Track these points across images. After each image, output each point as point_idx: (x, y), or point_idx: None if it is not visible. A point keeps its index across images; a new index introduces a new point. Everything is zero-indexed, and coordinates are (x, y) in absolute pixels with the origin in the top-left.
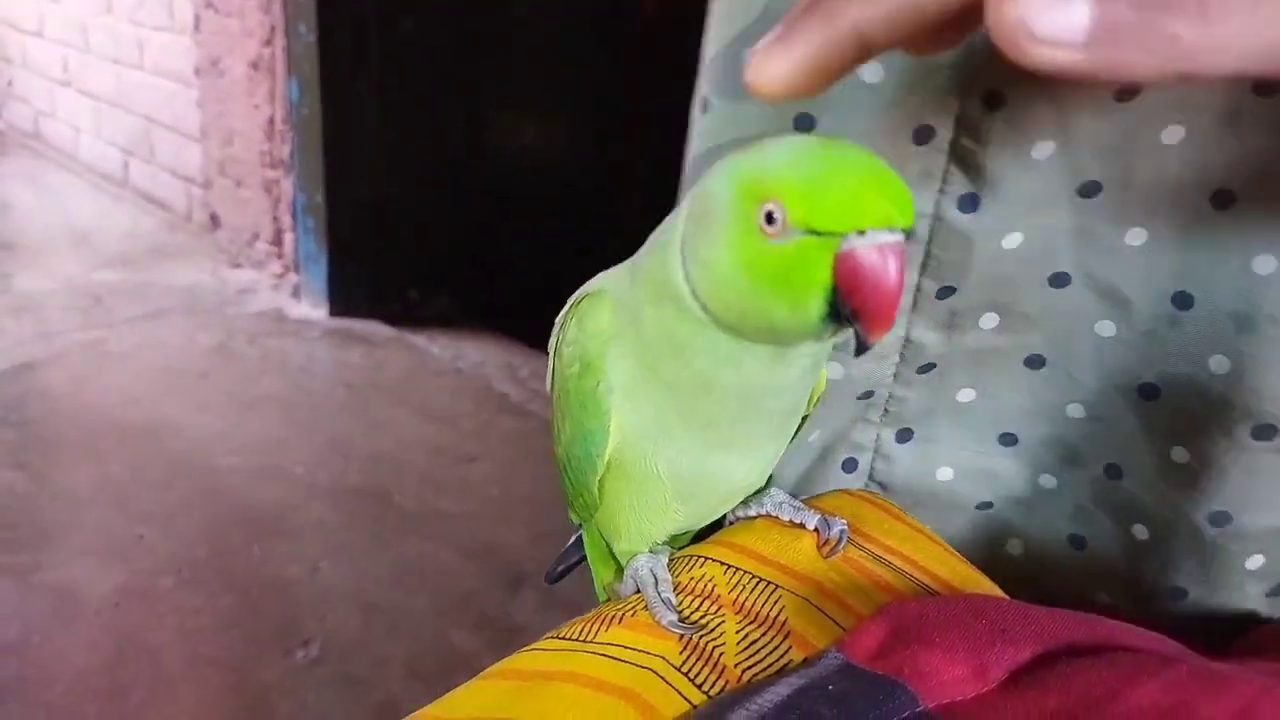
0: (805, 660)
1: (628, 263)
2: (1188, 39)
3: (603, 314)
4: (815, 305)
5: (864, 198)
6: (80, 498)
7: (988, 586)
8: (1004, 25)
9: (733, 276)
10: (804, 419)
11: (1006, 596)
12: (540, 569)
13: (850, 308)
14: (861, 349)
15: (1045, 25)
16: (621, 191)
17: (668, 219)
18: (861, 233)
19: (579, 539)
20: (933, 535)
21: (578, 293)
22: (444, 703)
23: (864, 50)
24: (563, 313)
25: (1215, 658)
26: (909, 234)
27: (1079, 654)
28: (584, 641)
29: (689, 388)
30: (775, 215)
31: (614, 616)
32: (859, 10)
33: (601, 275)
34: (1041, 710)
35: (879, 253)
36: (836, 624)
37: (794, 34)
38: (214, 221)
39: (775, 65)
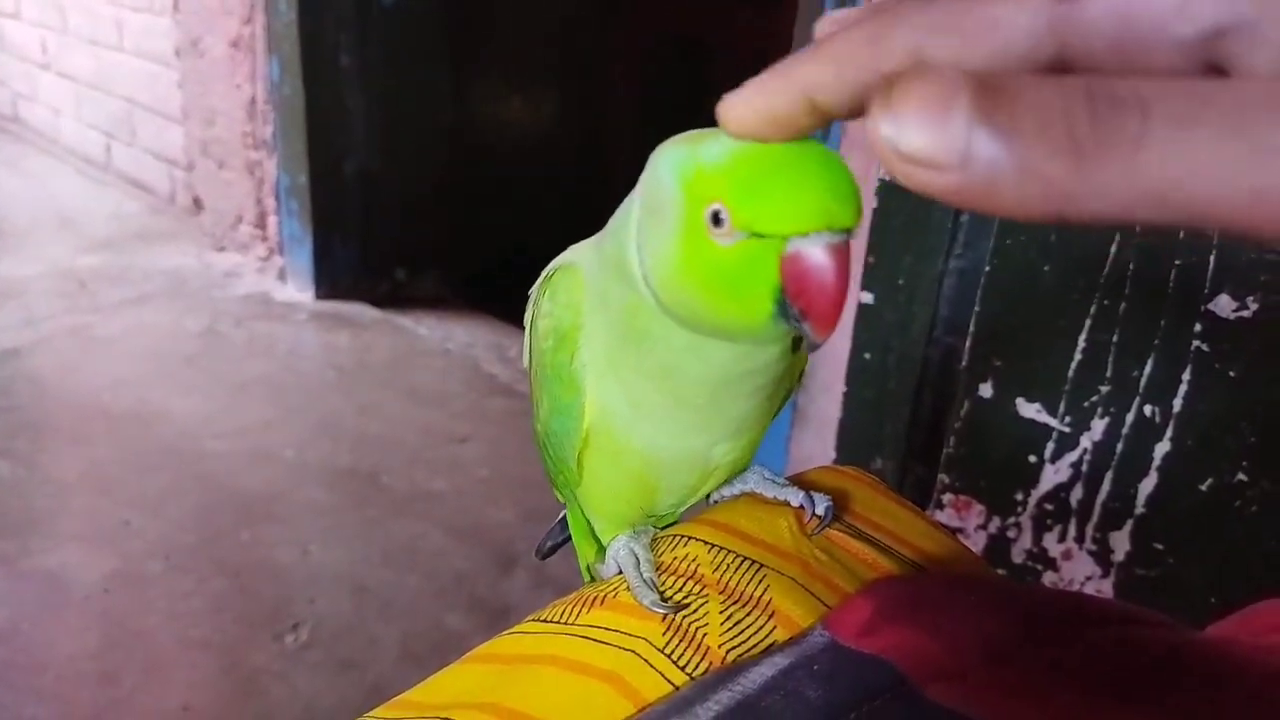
0: (791, 639)
1: (596, 237)
2: (1065, 182)
3: (575, 287)
4: (764, 305)
5: (808, 199)
6: (68, 484)
7: (976, 562)
8: (876, 140)
9: (683, 276)
10: (788, 393)
11: (995, 572)
12: (531, 549)
13: (797, 308)
14: (810, 347)
15: (914, 146)
16: (610, 166)
17: (629, 197)
18: (806, 235)
19: (563, 519)
20: (919, 510)
21: (550, 265)
22: (425, 688)
23: (820, 116)
24: (536, 285)
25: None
26: (853, 232)
27: (1064, 631)
28: (565, 624)
29: (654, 372)
30: (722, 217)
31: (595, 598)
32: (807, 73)
33: (573, 248)
34: (1027, 687)
35: (824, 254)
36: (822, 602)
37: (758, 85)
38: (197, 204)
39: (737, 109)
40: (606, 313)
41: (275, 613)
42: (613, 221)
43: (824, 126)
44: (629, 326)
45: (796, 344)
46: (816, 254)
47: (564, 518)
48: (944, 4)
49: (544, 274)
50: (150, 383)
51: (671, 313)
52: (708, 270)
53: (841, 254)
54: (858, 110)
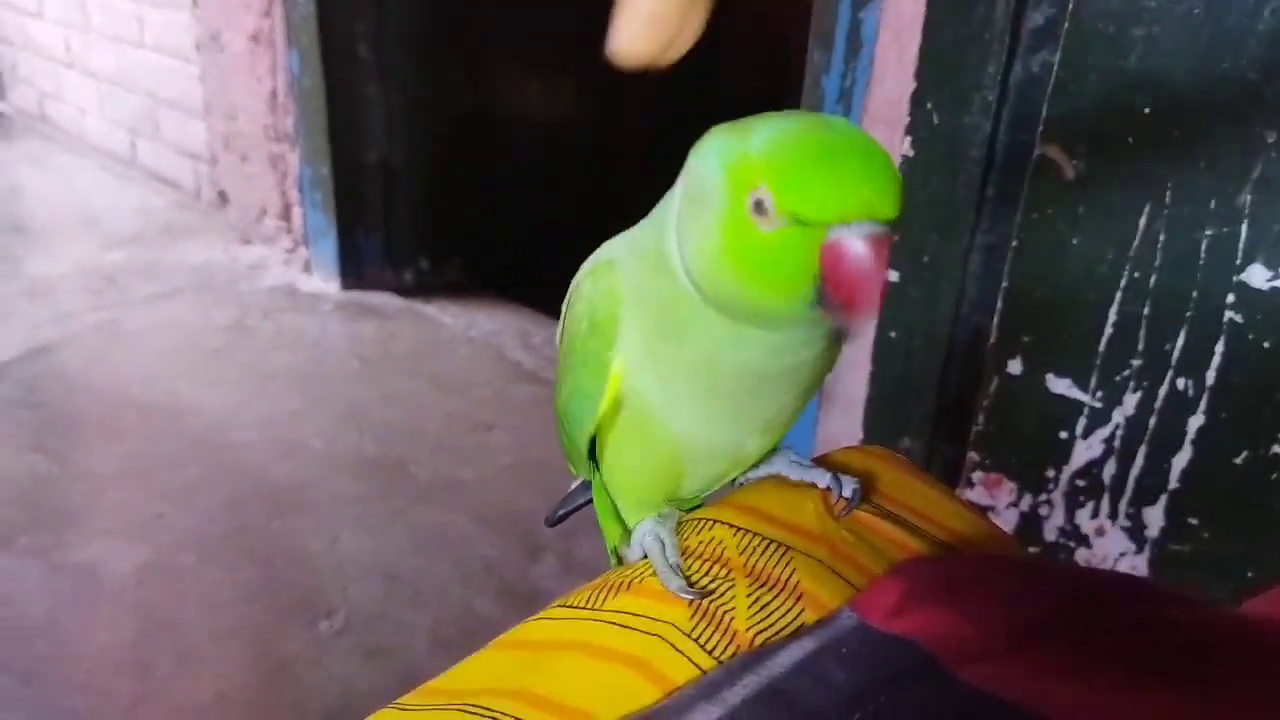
0: (819, 622)
1: (630, 232)
2: None
3: (616, 282)
4: (802, 292)
5: (851, 188)
6: (100, 478)
7: (1007, 542)
8: None
9: (723, 262)
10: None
11: (1026, 551)
12: (558, 534)
13: (836, 297)
14: (847, 335)
15: None
16: (629, 152)
17: (669, 192)
18: (848, 224)
19: (582, 484)
20: (948, 490)
21: (593, 257)
22: (453, 674)
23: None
24: (579, 274)
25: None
26: (895, 222)
27: (1095, 610)
28: (592, 609)
29: (692, 365)
30: (765, 204)
31: (621, 584)
32: None
33: (610, 243)
34: (1058, 667)
35: (864, 244)
36: (850, 584)
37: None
38: (222, 198)
39: (620, 34)
40: (644, 306)
41: (307, 601)
42: (651, 215)
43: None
44: (668, 318)
45: (836, 335)
46: (857, 244)
47: (576, 489)
48: None
49: (587, 264)
50: (179, 376)
51: (711, 301)
52: (748, 256)
53: (881, 245)
54: None
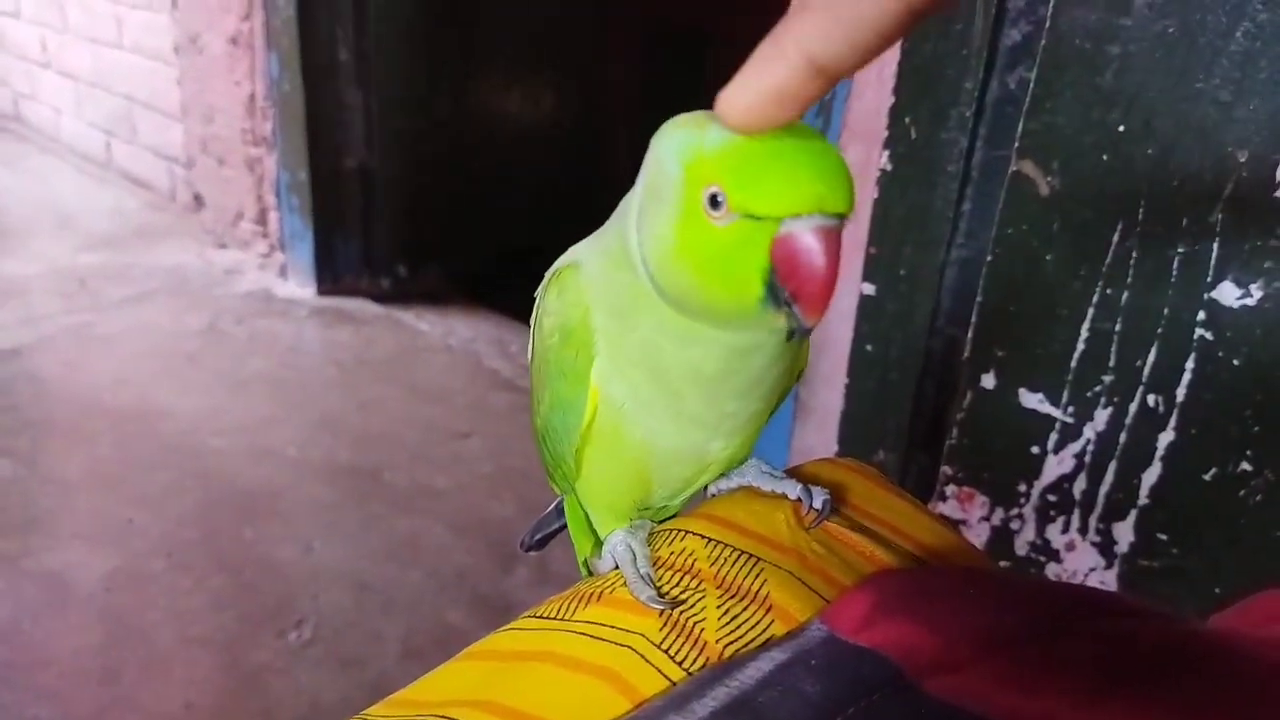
0: (788, 634)
1: (598, 232)
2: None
3: (580, 286)
4: (754, 287)
5: (802, 182)
6: (70, 482)
7: (977, 556)
8: None
9: (679, 257)
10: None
11: (996, 565)
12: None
13: (788, 291)
14: (800, 332)
15: None
16: (609, 158)
17: (633, 190)
18: (798, 217)
19: (557, 507)
20: (917, 502)
21: (556, 264)
22: (422, 685)
23: (826, 79)
24: (542, 284)
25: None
26: (846, 218)
27: (1063, 623)
28: (562, 620)
29: (648, 362)
30: (719, 198)
31: (592, 594)
32: (803, 36)
33: (575, 247)
34: (1025, 680)
35: (814, 236)
36: (820, 596)
37: (751, 67)
38: (198, 201)
39: (738, 97)
40: (609, 305)
41: (277, 610)
42: (617, 211)
43: (828, 90)
44: (628, 314)
45: (790, 335)
46: (807, 236)
47: (551, 511)
48: None
49: (549, 272)
50: (152, 381)
51: (667, 296)
52: (702, 251)
53: (832, 238)
54: (859, 59)
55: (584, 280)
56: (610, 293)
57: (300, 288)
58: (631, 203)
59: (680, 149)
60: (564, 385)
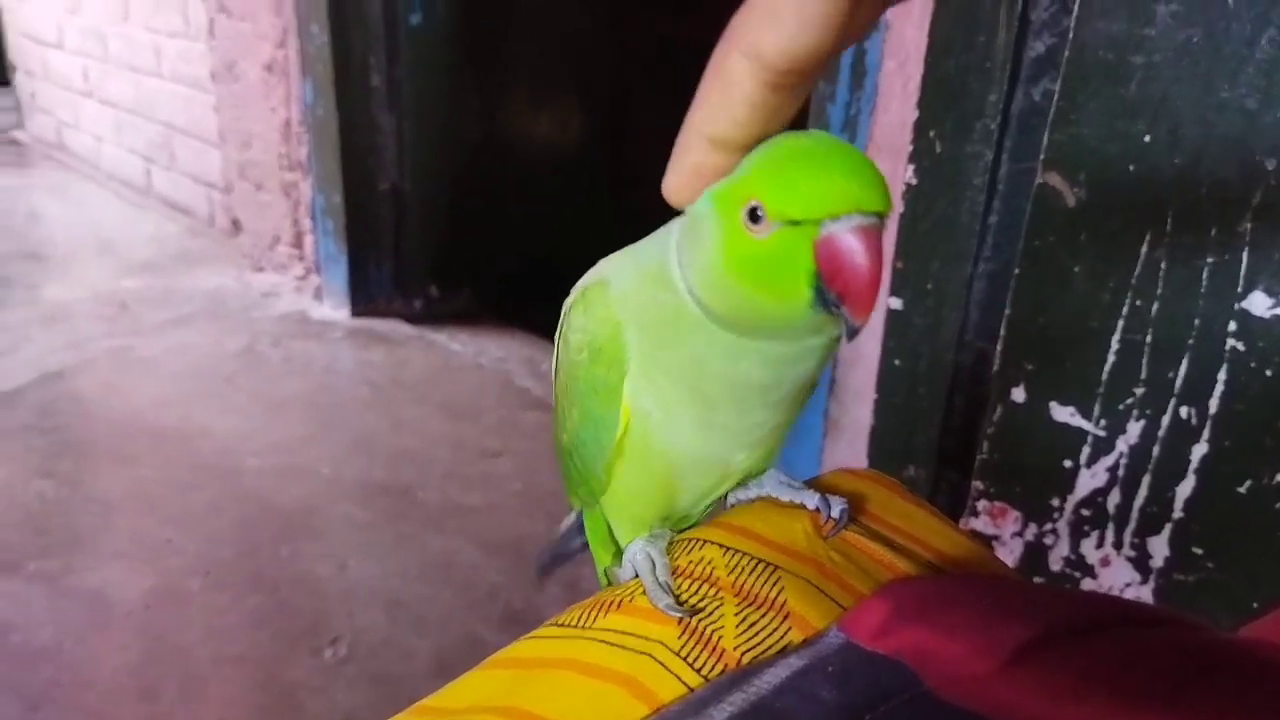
0: (805, 641)
1: (631, 249)
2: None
3: (608, 302)
4: (802, 292)
5: (837, 184)
6: (110, 502)
7: (996, 564)
8: None
9: (725, 276)
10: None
11: (1015, 573)
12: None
13: (834, 291)
14: (851, 332)
15: None
16: (635, 176)
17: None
18: (837, 218)
19: (572, 528)
20: (937, 512)
21: (582, 281)
22: (445, 693)
23: (727, 150)
24: (568, 301)
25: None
26: (885, 216)
27: (1084, 632)
28: (582, 628)
29: (689, 377)
30: (759, 212)
31: (612, 602)
32: (701, 121)
33: (603, 262)
34: (1046, 689)
35: (854, 235)
36: (837, 604)
37: (674, 154)
38: (236, 226)
39: (669, 181)
40: (643, 322)
41: (313, 628)
42: (658, 232)
43: (735, 160)
44: (668, 333)
45: (849, 336)
46: (847, 236)
47: (566, 532)
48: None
49: (576, 290)
50: (191, 402)
51: (717, 317)
52: (748, 265)
53: (873, 235)
54: (745, 133)
55: (614, 296)
56: (646, 311)
57: (335, 309)
58: (669, 234)
59: (711, 188)
60: (595, 401)
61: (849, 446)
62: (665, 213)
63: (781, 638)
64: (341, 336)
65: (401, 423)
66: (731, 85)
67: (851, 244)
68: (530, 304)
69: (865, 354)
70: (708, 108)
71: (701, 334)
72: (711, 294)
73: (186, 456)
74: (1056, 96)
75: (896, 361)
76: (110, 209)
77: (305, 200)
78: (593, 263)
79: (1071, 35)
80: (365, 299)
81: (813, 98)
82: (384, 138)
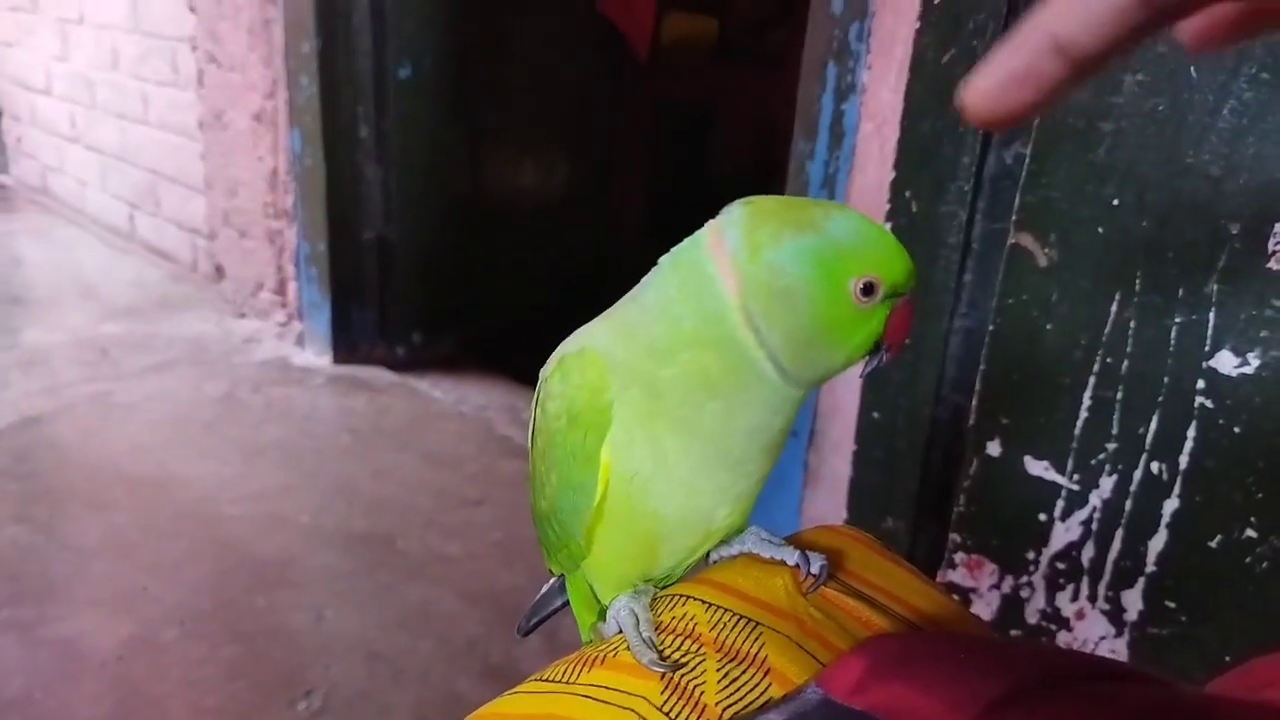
0: (785, 696)
1: (611, 318)
2: None
3: (589, 369)
4: (869, 346)
5: (910, 265)
6: (86, 550)
7: (971, 621)
8: None
9: (824, 335)
10: None
11: (991, 631)
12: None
13: (886, 342)
14: (875, 370)
15: None
16: (620, 231)
17: (652, 276)
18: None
19: (552, 589)
20: (914, 569)
21: (559, 351)
22: None
23: (1068, 60)
24: (545, 370)
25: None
26: None
27: (1055, 687)
28: (566, 683)
29: (704, 430)
30: (875, 286)
31: (596, 657)
32: (1050, 19)
33: (580, 332)
34: None
35: (910, 304)
36: (817, 660)
37: (997, 55)
38: (219, 272)
39: (982, 82)
40: (653, 381)
41: (289, 679)
42: (640, 300)
43: (1074, 79)
44: (696, 389)
45: (874, 370)
46: (907, 305)
47: (549, 591)
48: None
49: (553, 358)
50: (169, 448)
51: (787, 371)
52: (845, 326)
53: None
54: (1096, 41)
55: (598, 363)
56: (662, 371)
57: (317, 356)
58: (666, 293)
59: (813, 254)
60: (573, 466)
61: (828, 497)
62: (648, 263)
63: (762, 693)
64: (323, 383)
65: (382, 470)
66: None
67: (910, 310)
68: (513, 352)
69: (844, 406)
70: (1065, 5)
71: (755, 387)
72: (801, 350)
73: (164, 504)
74: (1028, 160)
75: (875, 414)
76: (93, 254)
77: (290, 247)
78: (576, 310)
79: None
80: (347, 346)
81: (793, 156)
82: (370, 187)
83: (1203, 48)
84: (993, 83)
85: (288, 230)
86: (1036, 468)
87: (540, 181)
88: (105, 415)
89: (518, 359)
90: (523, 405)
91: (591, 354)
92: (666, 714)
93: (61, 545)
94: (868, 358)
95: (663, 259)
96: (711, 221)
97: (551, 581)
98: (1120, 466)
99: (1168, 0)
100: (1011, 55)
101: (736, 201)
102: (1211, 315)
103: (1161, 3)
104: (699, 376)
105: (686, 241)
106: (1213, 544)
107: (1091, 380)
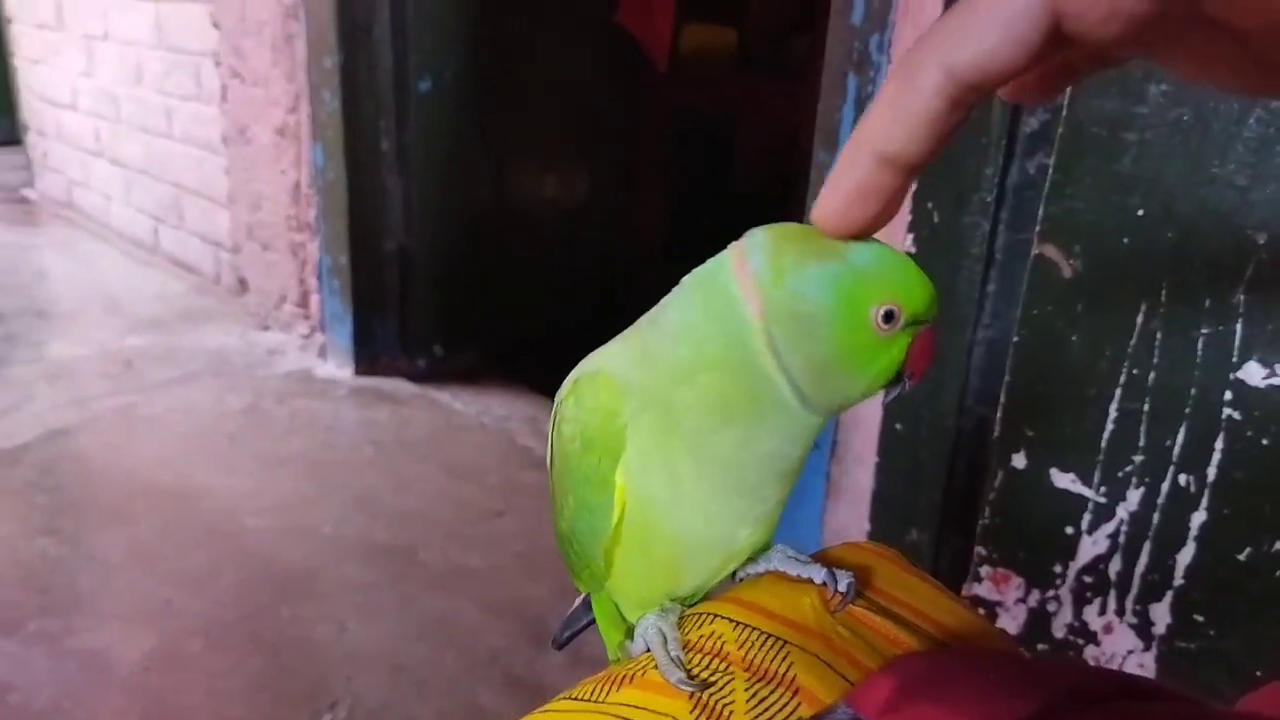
0: (814, 716)
1: (630, 338)
2: None
3: (603, 391)
4: (891, 374)
5: (932, 292)
6: (111, 562)
7: (998, 637)
8: None
9: (845, 362)
10: None
11: (1016, 646)
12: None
13: (909, 371)
14: (898, 396)
15: None
16: (641, 242)
17: (672, 297)
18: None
19: (586, 601)
20: (942, 587)
21: (574, 373)
22: None
23: (898, 169)
24: (561, 391)
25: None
26: None
27: (1083, 705)
28: (595, 702)
29: (720, 458)
30: (895, 314)
31: (625, 676)
32: (871, 136)
33: (596, 354)
34: None
35: (932, 331)
36: (845, 679)
37: (834, 173)
38: (242, 285)
39: (827, 202)
40: (669, 406)
41: (312, 691)
42: (658, 321)
43: (906, 182)
44: (714, 415)
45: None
46: (929, 332)
47: (579, 607)
48: (949, 19)
49: (568, 381)
50: (193, 460)
51: (807, 398)
52: (865, 354)
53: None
54: (918, 148)
55: (613, 385)
56: (677, 395)
57: (339, 368)
58: (689, 314)
59: (833, 281)
60: (588, 489)
61: (851, 509)
62: (668, 277)
63: (791, 713)
64: (345, 395)
65: (404, 482)
66: (915, 98)
67: (932, 338)
68: (534, 363)
69: (866, 418)
70: (882, 122)
71: (773, 414)
72: (821, 377)
73: (188, 515)
74: (1051, 171)
75: (898, 426)
76: (118, 267)
77: (312, 260)
78: (596, 322)
79: (1065, 112)
80: (369, 358)
81: (813, 168)
82: (392, 200)
83: (1021, 100)
84: (837, 201)
85: (310, 243)
86: (1063, 480)
87: (560, 193)
88: (130, 428)
89: (539, 370)
90: (544, 417)
91: (606, 376)
92: None
93: (88, 557)
94: (890, 386)
95: (685, 279)
96: (735, 243)
97: (582, 596)
98: (1147, 479)
99: (974, 97)
100: (847, 174)
101: (760, 227)
102: (1239, 326)
103: (969, 100)
104: (717, 400)
105: (710, 262)
106: (1241, 556)
107: (1118, 392)
